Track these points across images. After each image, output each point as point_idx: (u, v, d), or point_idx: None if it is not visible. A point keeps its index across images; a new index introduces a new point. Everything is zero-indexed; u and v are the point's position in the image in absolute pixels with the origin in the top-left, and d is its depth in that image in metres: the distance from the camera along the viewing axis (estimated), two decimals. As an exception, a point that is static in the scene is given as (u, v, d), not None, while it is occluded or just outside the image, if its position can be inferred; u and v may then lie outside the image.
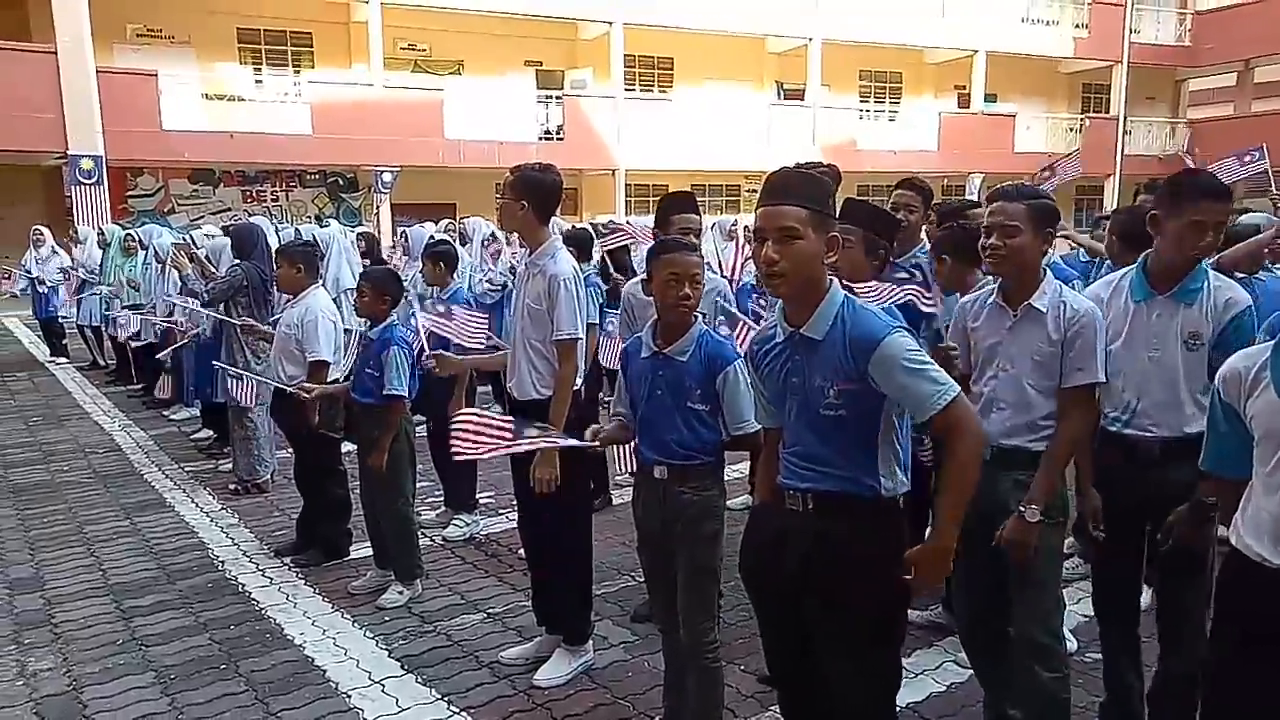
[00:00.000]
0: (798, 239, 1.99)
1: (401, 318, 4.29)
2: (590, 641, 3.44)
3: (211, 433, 6.70)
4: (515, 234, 4.23)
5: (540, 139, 18.63)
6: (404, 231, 7.76)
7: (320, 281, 4.76)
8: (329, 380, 4.36)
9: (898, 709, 2.22)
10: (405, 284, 4.84)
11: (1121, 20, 24.63)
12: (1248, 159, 10.46)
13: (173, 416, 7.74)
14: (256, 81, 17.02)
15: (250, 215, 14.71)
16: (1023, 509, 2.47)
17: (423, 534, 4.77)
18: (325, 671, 3.41)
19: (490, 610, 3.93)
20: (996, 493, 2.54)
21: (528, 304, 3.19)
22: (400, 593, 4.00)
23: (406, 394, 3.92)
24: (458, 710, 3.13)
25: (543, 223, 3.16)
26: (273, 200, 17.18)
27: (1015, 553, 2.49)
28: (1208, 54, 25.37)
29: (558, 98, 19.15)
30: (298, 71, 17.38)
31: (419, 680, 3.34)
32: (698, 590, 2.65)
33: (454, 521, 4.85)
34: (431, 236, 6.67)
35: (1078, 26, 24.39)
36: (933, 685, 3.22)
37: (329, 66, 17.68)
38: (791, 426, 2.16)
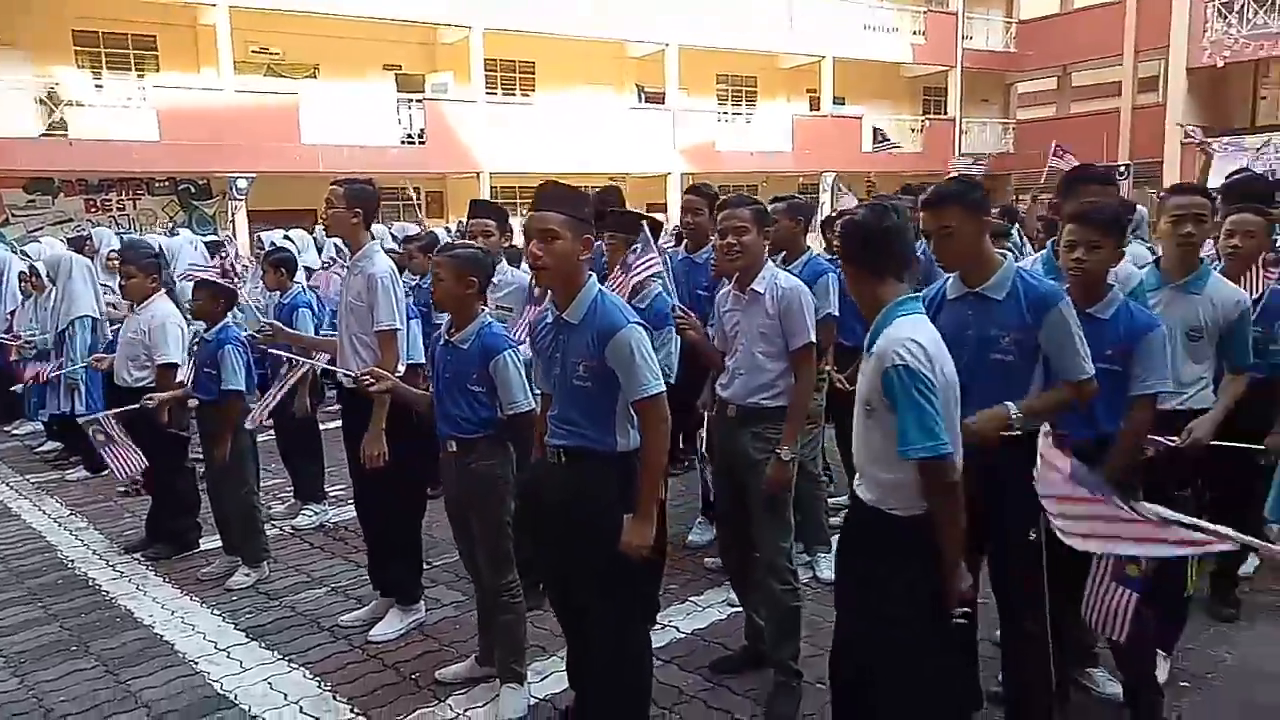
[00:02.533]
0: (557, 239, 2.50)
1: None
2: (422, 602, 3.87)
3: (59, 444, 6.71)
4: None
5: (402, 143, 18.68)
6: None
7: (167, 288, 4.97)
8: (177, 381, 4.60)
9: (688, 635, 2.76)
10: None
11: (954, 28, 26.56)
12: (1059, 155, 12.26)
13: (15, 431, 7.64)
14: (96, 86, 16.38)
15: (94, 225, 14.23)
16: (779, 452, 3.03)
17: (273, 524, 5.08)
18: (174, 645, 3.71)
19: (334, 585, 4.29)
20: (739, 444, 3.12)
21: (350, 301, 3.59)
22: (247, 575, 4.30)
23: (243, 389, 4.23)
24: (297, 666, 3.50)
25: (365, 228, 3.57)
26: (119, 209, 16.56)
27: (772, 488, 3.05)
28: (1031, 59, 27.61)
29: (418, 101, 19.20)
30: (141, 75, 16.82)
31: (262, 646, 3.69)
32: (491, 543, 3.12)
33: (303, 511, 5.16)
34: (272, 243, 6.90)
35: (916, 34, 26.12)
36: (715, 615, 3.81)
37: (176, 70, 17.17)
38: (555, 394, 2.68)
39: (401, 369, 3.59)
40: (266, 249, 6.30)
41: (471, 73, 19.56)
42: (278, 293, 5.23)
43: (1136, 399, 2.70)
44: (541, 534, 2.78)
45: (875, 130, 19.21)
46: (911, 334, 2.09)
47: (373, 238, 3.61)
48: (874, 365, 2.14)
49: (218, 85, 16.55)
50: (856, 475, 2.35)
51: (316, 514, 5.14)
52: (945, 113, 27.49)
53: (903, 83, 27.96)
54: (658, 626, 3.74)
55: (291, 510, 5.26)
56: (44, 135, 15.10)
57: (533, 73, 22.20)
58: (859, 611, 2.33)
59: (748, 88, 25.99)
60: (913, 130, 27.04)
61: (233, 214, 16.86)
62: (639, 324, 2.54)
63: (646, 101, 23.67)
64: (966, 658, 2.63)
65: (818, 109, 25.32)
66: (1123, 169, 21.08)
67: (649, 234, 3.52)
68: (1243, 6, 19.54)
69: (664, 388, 2.53)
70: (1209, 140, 17.58)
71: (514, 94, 21.85)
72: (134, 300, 4.77)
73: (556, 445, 2.65)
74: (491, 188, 20.18)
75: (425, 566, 4.06)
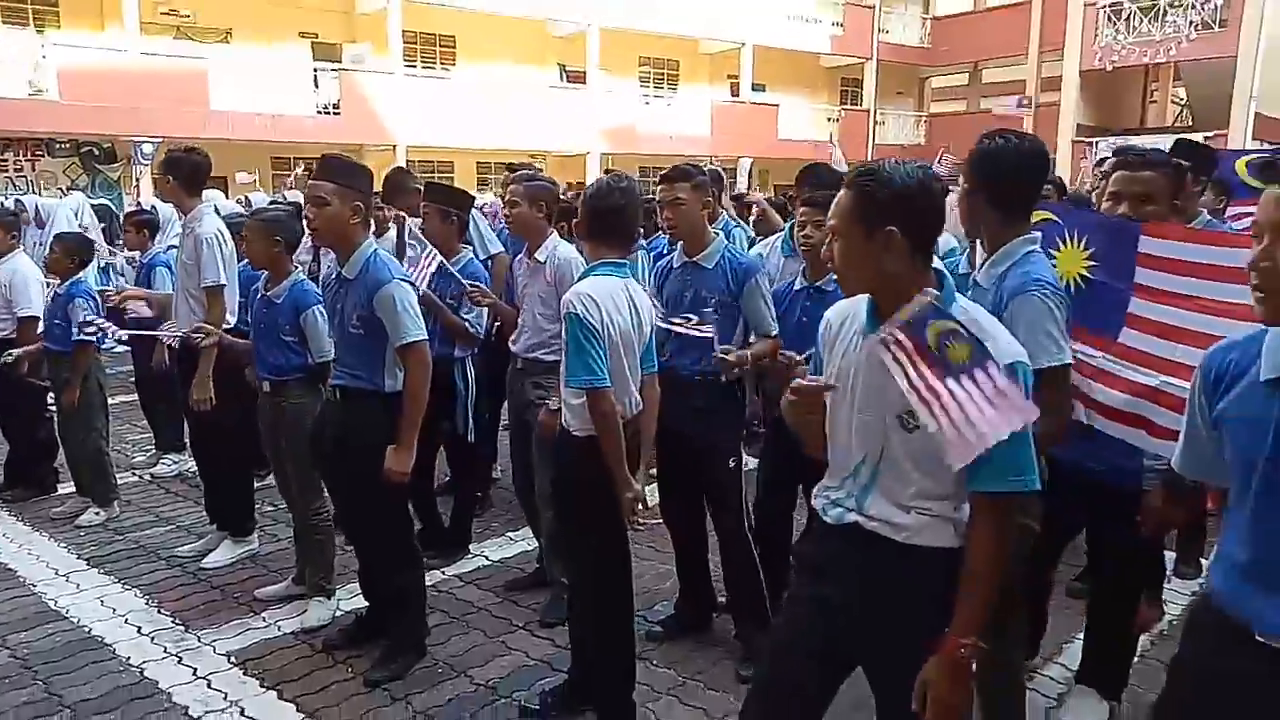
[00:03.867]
0: (327, 205, 2.91)
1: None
2: (255, 535, 4.25)
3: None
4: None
5: (318, 113, 18.61)
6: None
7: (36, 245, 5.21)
8: (37, 333, 4.85)
9: (493, 562, 3.21)
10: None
11: (872, 21, 27.34)
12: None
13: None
14: (-7, 41, 15.98)
15: (-8, 185, 14.01)
16: (548, 402, 3.49)
17: (134, 473, 5.38)
18: (17, 572, 4.02)
19: (180, 524, 4.63)
20: (523, 389, 3.58)
21: (184, 260, 3.94)
22: (97, 514, 4.61)
23: (92, 340, 4.52)
24: (130, 588, 3.86)
25: (191, 195, 3.91)
26: (16, 170, 16.22)
27: (543, 431, 3.50)
28: (944, 55, 28.58)
29: (334, 71, 19.12)
30: (41, 32, 16.46)
31: (101, 572, 4.02)
32: (300, 473, 3.53)
33: (162, 460, 5.46)
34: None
35: (834, 25, 26.84)
36: (525, 547, 4.27)
37: (78, 29, 16.85)
38: (336, 340, 3.10)
39: (232, 320, 3.96)
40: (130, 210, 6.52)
41: (390, 44, 19.55)
42: (138, 252, 5.50)
43: None
44: (325, 462, 3.21)
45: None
46: (588, 289, 2.55)
47: (203, 202, 3.96)
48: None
49: (122, 46, 16.29)
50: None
51: (175, 463, 5.44)
52: (861, 104, 28.33)
53: (822, 73, 28.70)
54: (469, 555, 4.21)
55: (152, 459, 5.55)
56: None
57: (453, 47, 22.23)
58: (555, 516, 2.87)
59: (670, 71, 26.39)
60: (829, 120, 27.82)
61: (137, 179, 16.67)
62: (404, 280, 2.97)
63: (568, 81, 23.92)
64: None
65: (738, 95, 25.90)
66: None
67: (415, 232, 3.80)
68: (1130, 15, 20.65)
69: (424, 336, 2.96)
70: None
71: (434, 67, 21.86)
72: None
73: (334, 385, 3.09)
74: (408, 161, 20.17)
75: (274, 507, 4.45)
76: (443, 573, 4.01)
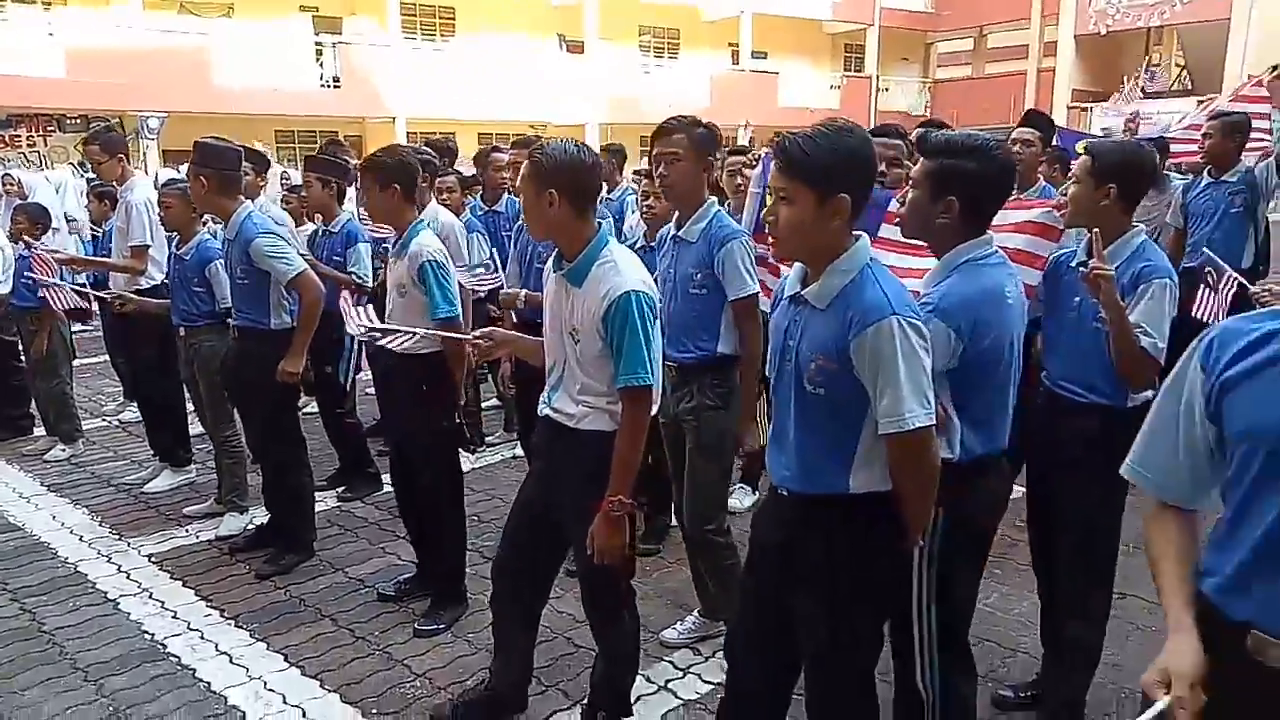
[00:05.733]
0: (202, 187, 3.48)
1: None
2: (193, 466, 4.86)
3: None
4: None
5: (321, 86, 19.12)
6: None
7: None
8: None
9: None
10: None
11: (874, -14, 27.29)
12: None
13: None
14: (1, 19, 16.66)
15: (4, 161, 14.73)
16: None
17: (103, 418, 6.03)
18: (-17, 496, 4.68)
19: (135, 459, 5.25)
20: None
21: (118, 225, 4.53)
22: (63, 450, 5.25)
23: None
24: (80, 508, 4.49)
25: (122, 166, 4.49)
26: (29, 145, 16.98)
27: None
28: (948, 20, 28.44)
29: (335, 44, 19.60)
30: (48, 9, 17.11)
31: (58, 496, 4.66)
32: (212, 403, 4.11)
33: (128, 407, 6.09)
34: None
35: (832, -10, 26.82)
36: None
37: (84, 6, 17.49)
38: (231, 289, 3.68)
39: (158, 277, 4.55)
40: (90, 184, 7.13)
41: (388, 15, 19.98)
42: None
43: None
44: (230, 391, 3.81)
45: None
46: None
47: (133, 173, 4.55)
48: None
49: (127, 22, 16.88)
50: None
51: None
52: (864, 70, 28.34)
53: (824, 39, 28.70)
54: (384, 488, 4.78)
55: (119, 407, 6.20)
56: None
57: (452, 18, 22.62)
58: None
59: (670, 40, 26.57)
60: (831, 87, 27.91)
61: (144, 153, 17.34)
62: (268, 233, 3.52)
63: (567, 51, 24.23)
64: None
65: (738, 63, 26.06)
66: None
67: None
68: (1125, -23, 20.61)
69: (303, 268, 3.52)
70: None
71: (434, 38, 22.27)
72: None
73: (234, 325, 3.68)
74: (408, 133, 20.66)
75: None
76: (362, 501, 4.57)
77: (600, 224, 2.31)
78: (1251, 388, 1.31)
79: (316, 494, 4.49)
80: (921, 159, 2.10)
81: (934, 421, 1.76)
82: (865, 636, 1.94)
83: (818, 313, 1.83)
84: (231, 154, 3.59)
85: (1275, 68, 4.82)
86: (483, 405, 5.38)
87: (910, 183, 2.13)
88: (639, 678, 2.96)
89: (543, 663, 3.02)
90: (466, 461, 5.08)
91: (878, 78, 27.96)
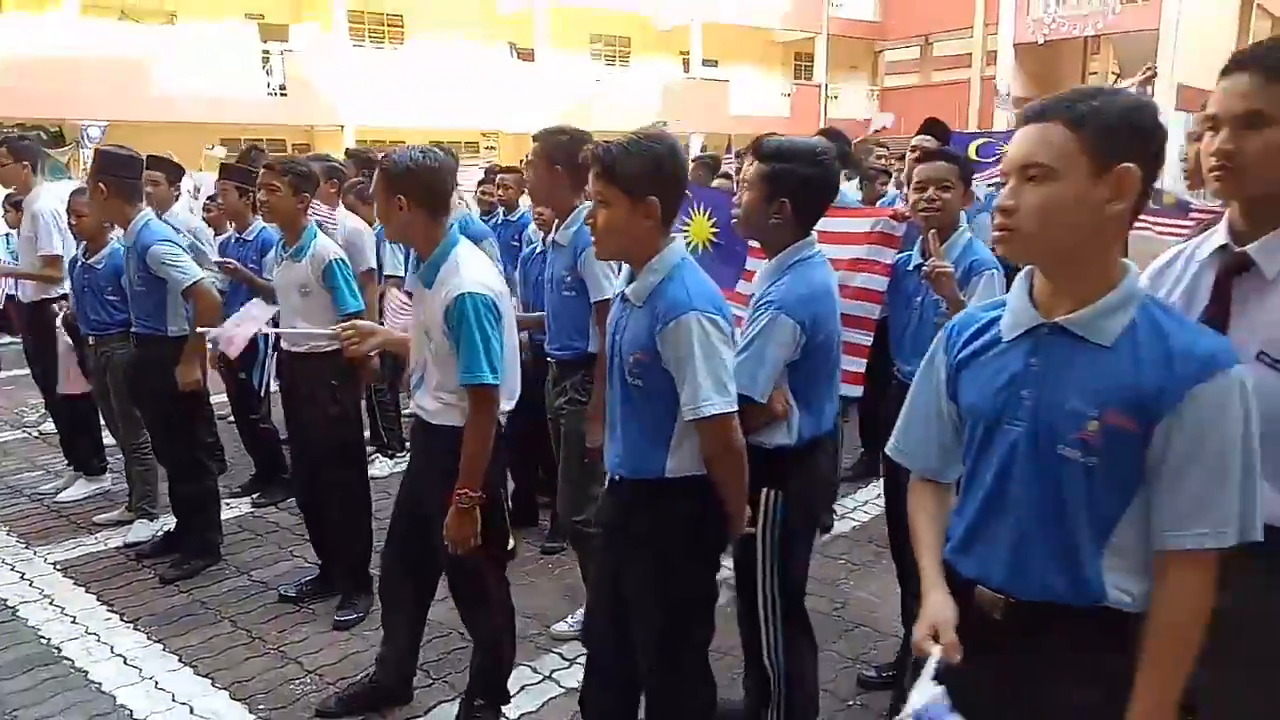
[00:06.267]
0: (102, 195, 3.54)
1: None
2: (108, 475, 4.88)
3: None
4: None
5: (268, 94, 19.00)
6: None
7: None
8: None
9: None
10: None
11: (822, -5, 27.76)
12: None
13: None
14: (-63, 27, 16.35)
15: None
16: None
17: (23, 430, 6.01)
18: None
19: (52, 469, 5.24)
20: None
21: (25, 234, 4.54)
22: (-23, 459, 5.24)
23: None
24: (-11, 518, 4.50)
25: (32, 174, 4.52)
26: (-36, 153, 16.68)
27: None
28: (895, 29, 29.03)
29: (282, 52, 19.48)
30: (-15, 17, 16.83)
31: (-30, 506, 4.67)
32: (122, 411, 4.15)
33: (50, 419, 6.07)
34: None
35: (785, -1, 27.25)
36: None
37: (19, 11, 17.23)
38: (130, 297, 3.75)
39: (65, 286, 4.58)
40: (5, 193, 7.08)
41: (336, 22, 19.91)
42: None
43: None
44: (132, 397, 3.87)
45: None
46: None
47: (38, 181, 4.58)
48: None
49: (64, 29, 16.65)
50: None
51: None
52: (815, 78, 28.80)
53: (775, 48, 29.11)
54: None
55: (43, 418, 6.16)
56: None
57: (401, 25, 22.59)
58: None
59: (621, 48, 26.79)
60: (782, 95, 28.30)
61: (86, 162, 17.09)
62: (165, 240, 3.59)
63: (519, 58, 24.30)
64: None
65: (689, 71, 26.33)
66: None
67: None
68: (1060, -11, 21.20)
69: (199, 277, 3.58)
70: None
71: (383, 46, 22.22)
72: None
73: (133, 332, 3.73)
74: (358, 141, 20.58)
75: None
76: (275, 507, 4.62)
77: (453, 227, 2.45)
78: (973, 369, 1.46)
79: (231, 500, 4.58)
80: (756, 163, 2.23)
81: (733, 409, 1.90)
82: (690, 615, 2.07)
83: (636, 309, 1.97)
84: (132, 162, 3.65)
85: (1149, 69, 5.04)
86: (403, 411, 5.45)
87: (745, 185, 2.26)
88: (526, 668, 3.10)
89: (433, 657, 3.13)
90: (386, 465, 5.21)
91: (827, 85, 28.42)
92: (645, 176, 1.90)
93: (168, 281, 3.57)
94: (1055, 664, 1.39)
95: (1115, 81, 24.61)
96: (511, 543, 3.96)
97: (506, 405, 2.45)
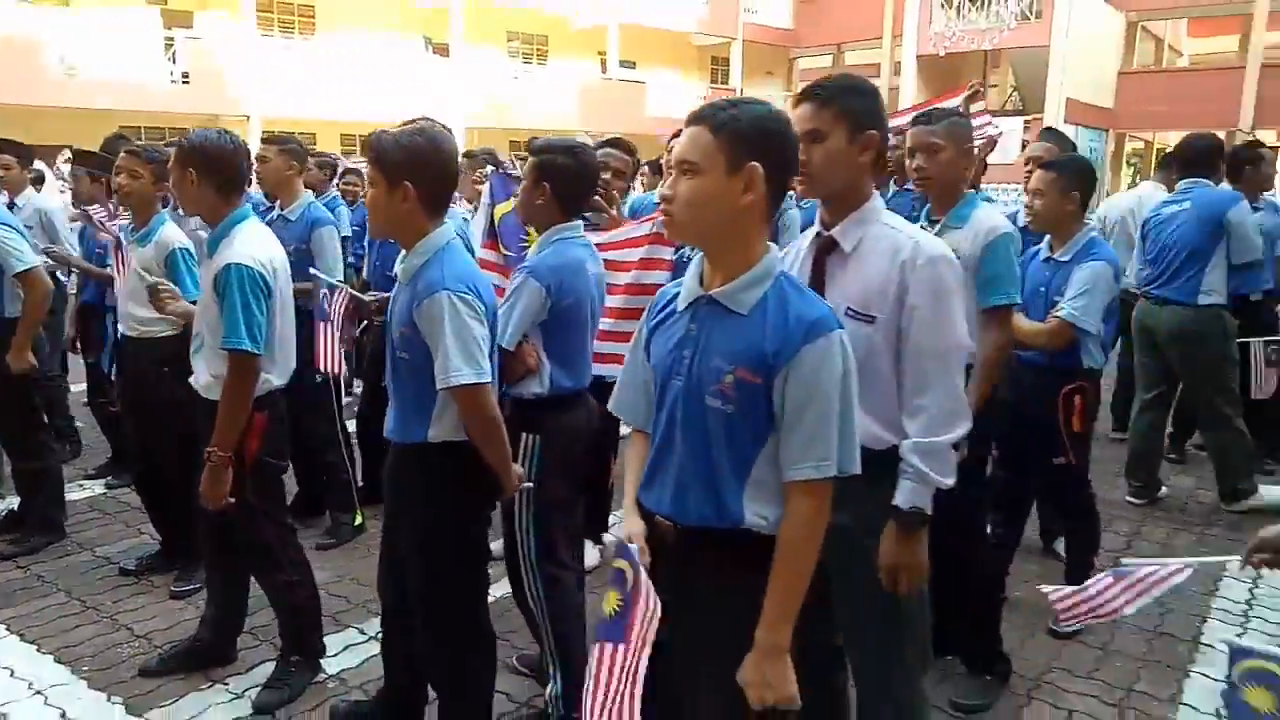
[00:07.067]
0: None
1: None
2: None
3: None
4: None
5: (170, 82, 18.54)
6: None
7: None
8: None
9: None
10: None
11: (737, 1, 28.32)
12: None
13: None
14: None
15: None
16: None
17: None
18: None
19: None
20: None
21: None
22: None
23: None
24: None
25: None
26: None
27: None
28: (808, 36, 29.77)
29: (186, 39, 19.03)
30: None
31: None
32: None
33: None
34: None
35: (702, 4, 27.71)
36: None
37: (-96, -9, 16.50)
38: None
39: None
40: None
41: (243, 10, 19.53)
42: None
43: None
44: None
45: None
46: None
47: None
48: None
49: (-49, 10, 15.99)
50: None
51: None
52: (731, 83, 29.36)
53: (692, 51, 29.59)
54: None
55: None
56: None
57: (312, 16, 22.28)
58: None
59: (539, 46, 26.90)
60: (699, 98, 28.73)
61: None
62: (2, 224, 3.66)
63: (434, 53, 24.17)
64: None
65: (606, 72, 26.59)
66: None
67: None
68: (960, 3, 22.10)
69: (31, 265, 3.65)
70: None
71: (293, 36, 21.88)
72: None
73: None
74: (264, 133, 20.16)
75: None
76: (129, 488, 4.66)
77: (246, 204, 2.65)
78: (658, 333, 1.73)
79: (86, 482, 4.63)
80: (530, 157, 2.57)
81: (483, 381, 2.11)
82: (454, 570, 2.27)
83: (404, 288, 2.18)
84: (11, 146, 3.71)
85: (972, 87, 5.43)
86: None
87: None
88: (354, 629, 3.29)
89: (263, 621, 3.27)
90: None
91: (742, 90, 29.01)
92: (404, 164, 2.11)
93: (3, 265, 3.63)
94: (709, 578, 1.65)
95: (1011, 94, 25.84)
96: (360, 518, 4.19)
97: (278, 381, 2.65)
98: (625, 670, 1.59)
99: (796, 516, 1.58)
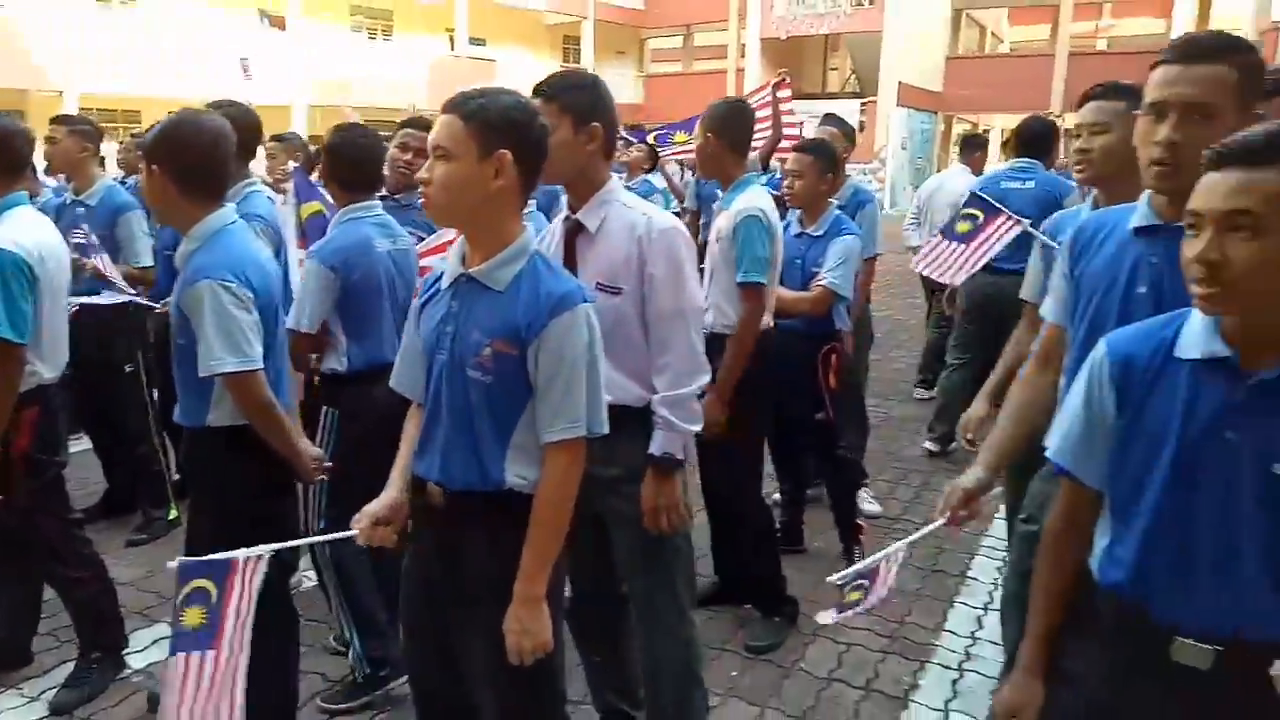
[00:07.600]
0: None
1: None
2: None
3: None
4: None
5: (-32, 52, 16.90)
6: None
7: None
8: None
9: None
10: None
11: (589, -20, 28.29)
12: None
13: None
14: None
15: None
16: None
17: None
18: None
19: None
20: None
21: None
22: None
23: None
24: None
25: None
26: None
27: None
28: (658, 17, 30.09)
29: (-19, 6, 17.36)
30: None
31: None
32: None
33: None
34: None
35: (553, -18, 27.53)
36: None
37: None
38: None
39: None
40: None
41: (55, -22, 18.02)
42: None
43: None
44: None
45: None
46: None
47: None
48: None
49: None
50: None
51: None
52: (583, 62, 29.33)
53: (543, 30, 29.38)
54: None
55: None
56: None
57: (134, -14, 20.81)
58: None
59: (384, 21, 26.05)
60: (552, 76, 28.60)
61: None
62: None
63: (271, 25, 23.03)
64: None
65: (455, 49, 26.06)
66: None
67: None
68: (800, -12, 22.96)
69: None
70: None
71: (110, 5, 20.34)
72: None
73: None
74: (81, 109, 18.77)
75: None
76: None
77: (22, 190, 2.57)
78: (425, 311, 1.81)
79: None
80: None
81: (248, 369, 2.11)
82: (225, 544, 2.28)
83: (180, 275, 2.18)
84: None
85: (780, 74, 5.74)
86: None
87: None
88: (164, 624, 3.21)
89: (66, 622, 3.15)
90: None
91: (592, 70, 29.02)
92: (157, 150, 2.12)
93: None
94: (474, 538, 1.76)
95: (850, 78, 27.04)
96: (175, 512, 4.09)
97: (49, 375, 2.56)
98: (223, 673, 1.78)
99: (551, 475, 1.70)
